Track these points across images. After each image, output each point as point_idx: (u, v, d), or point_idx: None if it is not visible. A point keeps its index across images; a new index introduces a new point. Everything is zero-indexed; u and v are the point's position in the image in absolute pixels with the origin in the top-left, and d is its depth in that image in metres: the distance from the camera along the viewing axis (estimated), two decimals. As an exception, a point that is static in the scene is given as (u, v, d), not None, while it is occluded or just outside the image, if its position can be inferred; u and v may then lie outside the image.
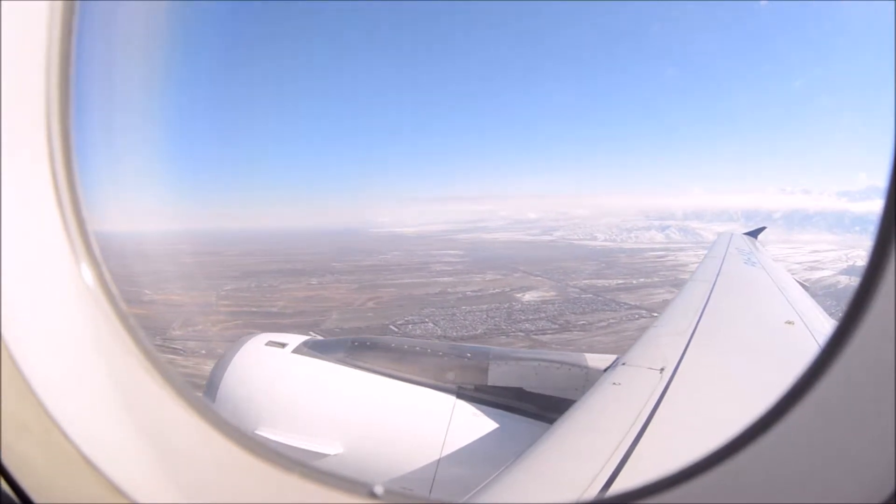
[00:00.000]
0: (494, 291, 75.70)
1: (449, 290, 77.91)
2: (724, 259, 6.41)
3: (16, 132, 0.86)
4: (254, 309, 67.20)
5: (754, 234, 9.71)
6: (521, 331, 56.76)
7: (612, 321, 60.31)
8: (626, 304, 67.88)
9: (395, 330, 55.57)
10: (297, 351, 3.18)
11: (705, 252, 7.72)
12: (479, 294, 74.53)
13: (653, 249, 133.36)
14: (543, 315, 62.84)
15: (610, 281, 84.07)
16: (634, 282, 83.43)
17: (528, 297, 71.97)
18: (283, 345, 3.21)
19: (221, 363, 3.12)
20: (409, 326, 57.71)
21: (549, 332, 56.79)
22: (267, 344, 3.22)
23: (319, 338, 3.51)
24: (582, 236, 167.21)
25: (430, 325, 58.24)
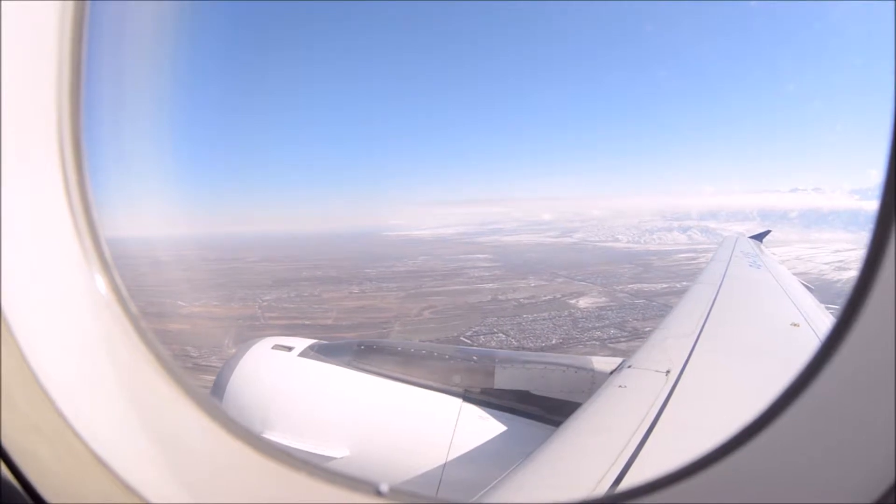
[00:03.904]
0: (547, 298, 74.24)
1: (500, 297, 76.19)
2: (729, 262, 6.35)
3: (27, 137, 0.85)
4: (306, 322, 64.34)
5: (760, 237, 9.81)
6: (594, 339, 55.48)
7: (677, 327, 59.41)
8: (682, 308, 67.11)
9: (468, 342, 53.66)
10: (303, 354, 3.17)
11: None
12: (533, 301, 73.02)
13: (680, 251, 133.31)
14: (607, 322, 61.69)
15: (654, 285, 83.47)
16: (678, 285, 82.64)
17: (583, 303, 70.78)
18: (289, 348, 3.21)
19: (228, 366, 3.09)
20: (481, 338, 55.81)
21: (622, 339, 55.54)
22: (273, 347, 3.21)
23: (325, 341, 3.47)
24: (603, 238, 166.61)
25: (502, 335, 56.44)
